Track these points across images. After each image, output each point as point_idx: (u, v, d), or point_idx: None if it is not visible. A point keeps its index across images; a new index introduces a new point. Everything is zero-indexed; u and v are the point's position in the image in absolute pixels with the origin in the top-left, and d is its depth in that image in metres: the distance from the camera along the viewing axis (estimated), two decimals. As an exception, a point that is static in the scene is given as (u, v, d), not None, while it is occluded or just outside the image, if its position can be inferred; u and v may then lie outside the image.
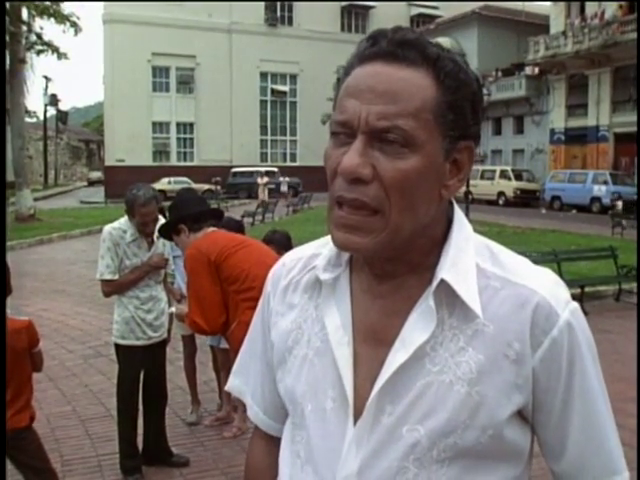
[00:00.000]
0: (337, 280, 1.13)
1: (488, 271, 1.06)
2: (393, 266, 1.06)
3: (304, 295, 1.18)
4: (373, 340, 1.07)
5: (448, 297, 1.03)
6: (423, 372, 1.02)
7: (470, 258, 1.06)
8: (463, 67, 1.04)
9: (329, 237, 1.17)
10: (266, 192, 34.18)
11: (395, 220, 0.99)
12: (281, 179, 37.62)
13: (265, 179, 35.11)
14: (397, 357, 1.02)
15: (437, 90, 1.00)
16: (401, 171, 0.97)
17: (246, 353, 1.33)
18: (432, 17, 52.08)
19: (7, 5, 19.55)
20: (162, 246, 4.67)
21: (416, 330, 1.03)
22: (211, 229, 3.92)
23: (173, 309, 4.44)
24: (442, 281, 1.02)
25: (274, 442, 1.28)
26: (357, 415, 1.05)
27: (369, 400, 1.03)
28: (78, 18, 24.88)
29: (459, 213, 1.12)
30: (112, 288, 4.53)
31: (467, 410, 1.00)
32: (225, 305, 3.67)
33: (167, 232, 4.08)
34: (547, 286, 1.05)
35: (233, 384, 1.35)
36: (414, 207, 1.00)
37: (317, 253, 1.19)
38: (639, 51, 26.74)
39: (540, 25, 38.94)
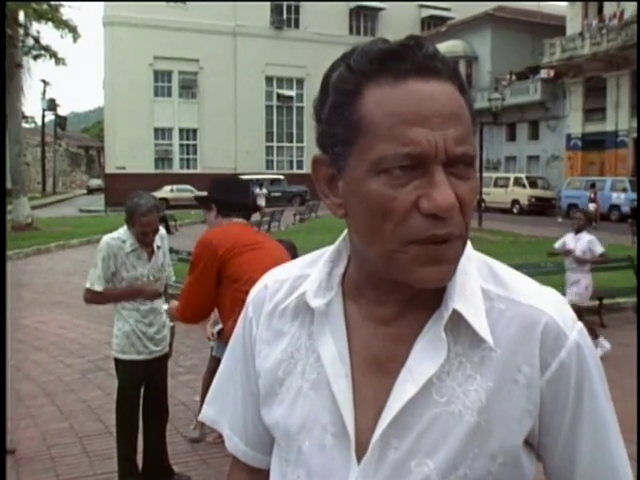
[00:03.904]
0: (330, 306, 1.08)
1: (491, 292, 1.04)
2: (400, 291, 1.02)
3: (294, 322, 1.13)
4: (376, 369, 1.04)
5: (454, 323, 1.00)
6: (430, 403, 0.99)
7: (474, 280, 1.04)
8: None
9: (315, 255, 1.18)
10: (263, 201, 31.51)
11: (466, 241, 1.00)
12: (257, 191, 32.36)
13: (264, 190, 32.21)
14: (405, 389, 0.99)
15: (464, 100, 0.98)
16: (473, 191, 0.97)
17: (223, 381, 1.27)
18: (443, 19, 52.21)
19: (7, 5, 19.62)
20: (162, 256, 4.67)
21: (424, 360, 1.00)
22: (237, 220, 3.92)
23: (165, 306, 4.44)
24: (454, 310, 1.00)
25: (256, 474, 1.25)
26: (360, 450, 1.02)
27: (375, 435, 1.00)
28: (76, 27, 25.06)
29: None
30: (96, 299, 4.55)
31: (477, 439, 0.98)
32: (212, 302, 3.69)
33: (202, 203, 4.08)
34: (553, 306, 1.03)
35: (207, 414, 1.29)
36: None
37: (304, 274, 1.15)
38: (639, 51, 26.76)
39: (556, 26, 38.93)
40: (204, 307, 3.73)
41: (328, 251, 1.14)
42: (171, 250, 11.83)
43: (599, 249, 8.27)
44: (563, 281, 10.70)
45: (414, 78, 0.93)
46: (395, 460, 1.00)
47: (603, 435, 1.04)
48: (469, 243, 1.05)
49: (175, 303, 4.09)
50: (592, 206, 28.61)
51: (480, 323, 1.00)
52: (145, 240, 4.46)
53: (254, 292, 1.22)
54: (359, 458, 1.01)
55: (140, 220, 4.36)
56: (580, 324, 1.04)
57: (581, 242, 8.29)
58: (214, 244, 3.62)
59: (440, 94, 0.93)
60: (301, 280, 1.14)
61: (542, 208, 33.99)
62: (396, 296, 1.03)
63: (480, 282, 1.04)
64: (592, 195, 29.76)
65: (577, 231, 8.42)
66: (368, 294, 1.06)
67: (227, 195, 3.97)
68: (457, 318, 1.00)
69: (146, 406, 4.74)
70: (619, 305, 10.95)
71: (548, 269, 11.12)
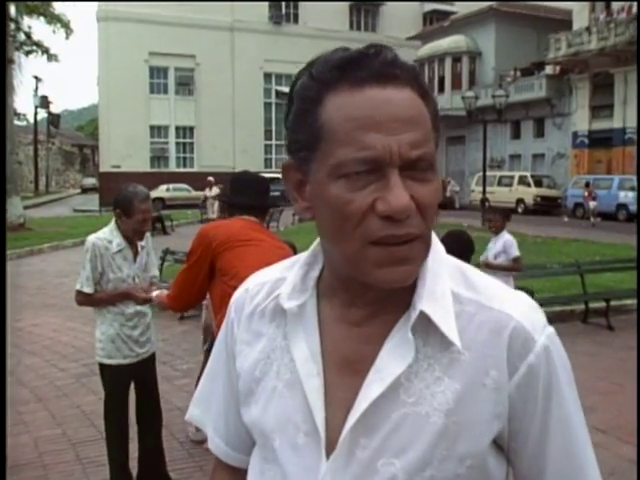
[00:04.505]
0: (303, 308, 1.14)
1: (462, 296, 1.08)
2: (372, 292, 1.07)
3: (271, 323, 1.18)
4: (348, 370, 1.08)
5: (423, 325, 1.04)
6: (398, 403, 1.04)
7: (445, 283, 1.08)
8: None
9: (295, 258, 1.23)
10: (216, 207, 23.69)
11: (430, 241, 1.05)
12: (207, 193, 28.07)
13: (214, 190, 26.76)
14: (372, 389, 1.04)
15: (425, 105, 1.03)
16: (433, 194, 1.01)
17: (207, 381, 1.34)
18: (446, 14, 52.22)
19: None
20: (146, 255, 4.69)
21: (392, 361, 1.04)
22: (246, 217, 3.95)
23: (154, 293, 4.43)
24: (422, 312, 1.04)
25: (238, 474, 1.29)
26: (330, 448, 1.06)
27: (342, 434, 1.05)
28: (69, 22, 25.09)
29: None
30: (87, 302, 4.53)
31: (444, 441, 1.01)
32: (202, 292, 3.83)
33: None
34: (523, 310, 1.07)
35: (193, 414, 1.37)
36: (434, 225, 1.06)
37: (282, 277, 1.20)
38: (639, 51, 26.75)
39: (562, 21, 38.91)
40: (194, 296, 3.86)
41: (304, 254, 1.19)
42: (167, 251, 11.91)
43: (514, 252, 7.48)
44: (571, 282, 10.71)
45: (371, 85, 0.99)
46: (363, 459, 1.04)
47: (572, 440, 1.08)
48: (442, 246, 1.14)
49: (164, 292, 4.19)
50: (592, 204, 28.73)
51: (449, 326, 1.04)
52: (144, 228, 4.46)
53: (236, 294, 1.28)
54: (329, 456, 1.06)
55: (140, 207, 4.37)
56: (550, 329, 1.08)
57: (498, 244, 7.64)
58: (210, 236, 3.73)
59: (397, 100, 0.99)
60: (280, 283, 1.19)
61: (548, 207, 34.00)
62: (367, 298, 1.08)
63: (451, 285, 1.09)
64: (586, 194, 29.87)
65: (495, 232, 7.78)
66: (341, 296, 1.11)
67: (231, 195, 4.06)
68: (427, 320, 1.04)
69: (139, 410, 4.73)
70: (626, 307, 10.87)
71: (554, 270, 11.13)
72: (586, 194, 30.06)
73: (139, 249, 4.58)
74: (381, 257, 0.99)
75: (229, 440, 1.29)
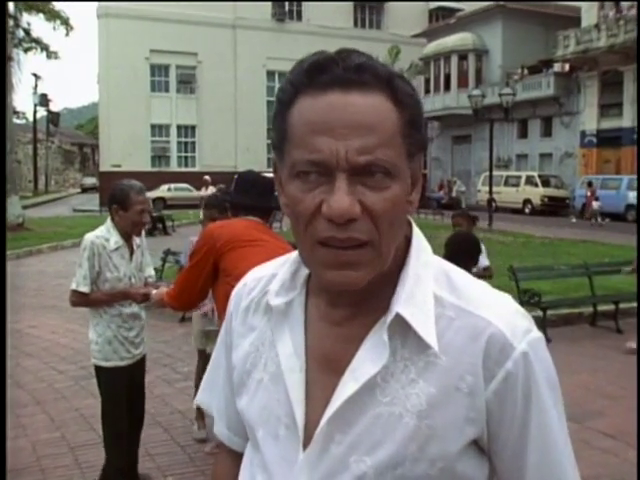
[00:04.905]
0: (290, 305, 1.19)
1: (444, 300, 1.10)
2: (349, 293, 1.10)
3: (264, 317, 1.24)
4: (327, 368, 1.13)
5: (402, 327, 1.07)
6: (374, 402, 1.07)
7: (428, 287, 1.11)
8: (408, 81, 1.10)
9: (289, 255, 1.27)
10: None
11: (384, 249, 1.05)
12: (202, 192, 25.81)
13: (210, 190, 24.45)
14: (346, 388, 1.08)
15: (398, 111, 1.05)
16: (388, 201, 1.02)
17: (212, 369, 1.42)
18: (452, 11, 52.14)
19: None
20: (140, 255, 4.71)
21: (367, 361, 1.07)
22: (250, 218, 3.99)
23: (154, 291, 4.44)
24: (398, 314, 1.06)
25: (240, 458, 1.34)
26: (308, 442, 1.10)
27: (318, 429, 1.09)
28: (68, 18, 25.12)
29: (418, 234, 1.18)
30: (83, 302, 4.52)
31: (416, 443, 1.05)
32: (203, 292, 3.86)
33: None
34: (503, 316, 1.08)
35: (202, 399, 1.45)
36: (396, 232, 1.07)
37: (276, 273, 1.26)
38: (639, 51, 26.68)
39: (570, 18, 38.88)
40: (195, 296, 3.89)
41: (296, 252, 1.22)
42: (168, 252, 11.89)
43: (484, 262, 6.79)
44: (578, 284, 10.69)
45: (333, 90, 1.02)
46: (337, 454, 1.08)
47: (551, 447, 1.10)
48: (429, 249, 1.17)
49: (163, 289, 4.21)
50: (596, 204, 28.68)
51: (427, 329, 1.06)
52: (142, 221, 4.48)
53: (236, 289, 1.36)
54: (306, 449, 1.11)
55: (137, 199, 4.40)
56: (534, 335, 1.09)
57: None
58: (214, 236, 3.76)
59: (354, 105, 1.01)
60: (273, 278, 1.25)
61: (555, 208, 34.00)
62: (347, 298, 1.12)
63: (434, 289, 1.11)
64: (589, 193, 29.82)
65: None
66: (325, 295, 1.16)
67: (235, 195, 4.10)
68: (405, 322, 1.07)
69: (129, 410, 4.73)
70: (635, 309, 10.79)
71: (562, 272, 11.11)
72: (588, 194, 30.03)
73: (135, 248, 4.60)
74: (327, 259, 1.03)
75: (230, 425, 1.36)
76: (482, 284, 1.15)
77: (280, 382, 1.15)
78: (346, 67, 1.02)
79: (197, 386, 5.91)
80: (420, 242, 1.16)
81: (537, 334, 1.10)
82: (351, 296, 1.11)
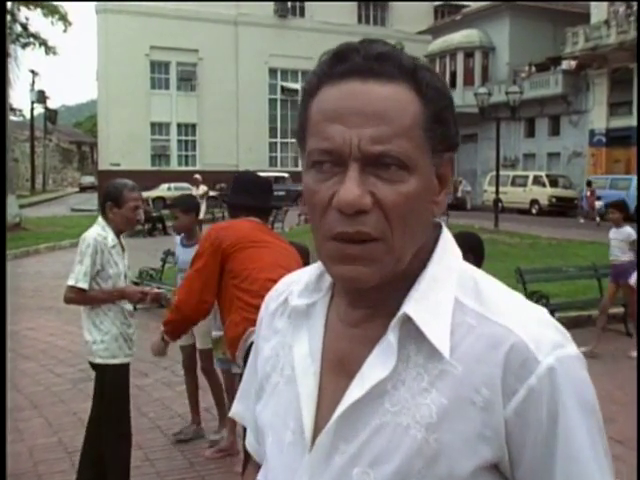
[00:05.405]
0: (313, 307, 1.16)
1: (467, 307, 1.04)
2: (368, 293, 1.07)
3: (287, 320, 1.22)
4: (340, 371, 1.09)
5: (417, 332, 1.02)
6: (380, 411, 1.02)
7: (447, 291, 1.05)
8: (437, 75, 1.08)
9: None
10: (204, 207, 22.17)
11: (398, 246, 1.01)
12: (193, 192, 23.35)
13: (202, 188, 25.56)
14: (353, 393, 1.03)
15: (421, 103, 1.03)
16: (402, 195, 0.99)
17: (246, 377, 1.37)
18: (458, 7, 52.15)
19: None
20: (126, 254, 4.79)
21: (376, 366, 1.03)
22: (250, 218, 4.02)
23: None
24: (405, 314, 1.02)
25: None
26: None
27: (320, 436, 1.05)
28: (67, 14, 25.14)
29: (446, 237, 1.13)
30: (80, 299, 4.51)
31: (423, 458, 0.98)
32: (212, 295, 3.84)
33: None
34: (528, 326, 1.01)
35: (237, 410, 1.40)
36: (414, 230, 1.03)
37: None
38: (639, 51, 26.60)
39: (579, 14, 38.83)
40: (204, 300, 3.85)
41: None
42: (168, 252, 11.89)
43: None
44: (587, 286, 10.65)
45: (351, 79, 1.01)
46: (340, 464, 1.03)
47: (581, 477, 0.98)
48: (458, 253, 1.12)
49: (167, 295, 4.22)
50: (598, 204, 28.60)
51: (439, 334, 1.01)
52: (136, 217, 4.61)
53: (268, 294, 1.33)
54: None
55: (131, 195, 4.52)
56: (566, 350, 1.00)
57: None
58: (219, 237, 3.77)
59: (370, 94, 1.00)
60: None
61: (563, 208, 33.90)
62: (365, 299, 1.09)
63: (457, 294, 1.05)
64: (588, 193, 29.75)
65: None
66: (344, 296, 1.13)
67: (232, 196, 4.09)
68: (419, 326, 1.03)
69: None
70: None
71: (570, 273, 11.11)
72: (588, 193, 29.96)
73: (123, 245, 4.68)
74: (333, 252, 1.01)
75: (257, 434, 1.29)
76: (516, 294, 1.08)
77: (293, 386, 1.12)
78: (367, 56, 1.01)
79: (188, 383, 6.03)
80: (446, 245, 1.11)
81: (572, 351, 1.01)
82: (369, 297, 1.07)
